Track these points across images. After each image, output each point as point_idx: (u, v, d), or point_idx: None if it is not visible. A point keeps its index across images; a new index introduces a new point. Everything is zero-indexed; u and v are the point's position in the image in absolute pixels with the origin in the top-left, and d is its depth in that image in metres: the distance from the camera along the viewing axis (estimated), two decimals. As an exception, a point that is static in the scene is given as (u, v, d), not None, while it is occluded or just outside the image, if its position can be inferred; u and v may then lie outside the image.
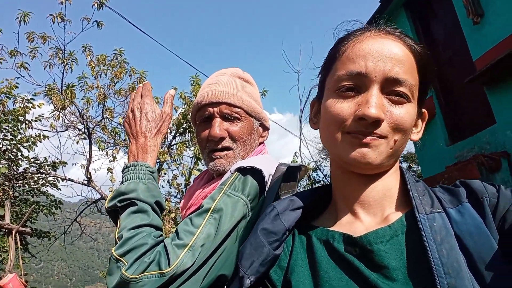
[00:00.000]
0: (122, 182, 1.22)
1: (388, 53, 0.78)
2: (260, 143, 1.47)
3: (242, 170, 1.22)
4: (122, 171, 1.25)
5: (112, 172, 8.95)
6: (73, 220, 10.11)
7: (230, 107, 1.36)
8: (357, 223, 0.81)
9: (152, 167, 1.26)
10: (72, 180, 9.16)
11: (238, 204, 1.15)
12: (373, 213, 0.81)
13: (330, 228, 0.83)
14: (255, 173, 1.21)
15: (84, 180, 9.02)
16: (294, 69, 10.86)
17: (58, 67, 8.57)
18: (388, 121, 0.76)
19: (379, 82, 0.77)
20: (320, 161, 8.68)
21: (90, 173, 8.91)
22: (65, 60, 8.41)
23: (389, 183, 0.83)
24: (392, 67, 0.77)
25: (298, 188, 1.27)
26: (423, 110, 0.87)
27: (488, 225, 0.71)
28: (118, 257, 1.04)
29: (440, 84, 6.86)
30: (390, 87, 0.77)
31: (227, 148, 1.36)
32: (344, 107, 0.79)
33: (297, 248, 0.85)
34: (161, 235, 1.13)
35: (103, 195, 9.14)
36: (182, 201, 1.47)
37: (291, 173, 1.24)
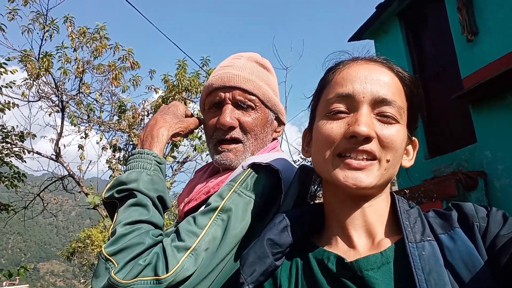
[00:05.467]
0: (124, 171, 1.07)
1: (376, 77, 0.81)
2: (274, 139, 1.32)
3: (256, 167, 1.08)
4: (127, 159, 1.10)
5: (83, 149, 8.62)
6: (36, 194, 9.67)
7: (244, 93, 1.20)
8: (351, 246, 0.82)
9: (160, 157, 1.12)
10: (39, 153, 8.75)
11: (249, 206, 1.01)
12: (365, 236, 0.82)
13: (327, 249, 0.83)
14: (271, 172, 1.07)
15: (52, 154, 8.64)
16: (283, 66, 10.76)
17: (38, 33, 8.12)
18: (379, 139, 0.78)
19: (367, 103, 0.79)
20: (298, 160, 8.62)
21: (59, 148, 8.54)
22: (45, 27, 7.96)
23: (381, 209, 0.84)
24: (379, 89, 0.79)
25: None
26: (414, 138, 0.89)
27: (479, 251, 0.71)
28: (108, 256, 0.89)
29: (424, 97, 6.90)
30: (378, 107, 0.79)
31: (236, 140, 1.20)
32: (334, 128, 0.80)
33: (294, 264, 0.85)
34: (161, 235, 0.98)
35: (70, 172, 8.79)
36: (180, 195, 1.32)
37: (308, 176, 1.10)
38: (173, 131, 1.19)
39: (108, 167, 8.95)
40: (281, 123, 1.34)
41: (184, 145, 9.32)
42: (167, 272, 0.85)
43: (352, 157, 0.78)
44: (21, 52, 8.12)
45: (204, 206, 1.04)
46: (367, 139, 0.77)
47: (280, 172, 1.05)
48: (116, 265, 0.87)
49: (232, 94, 1.20)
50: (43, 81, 8.34)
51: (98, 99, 8.87)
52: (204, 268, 0.91)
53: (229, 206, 0.98)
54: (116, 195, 1.02)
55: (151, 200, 1.02)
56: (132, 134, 8.54)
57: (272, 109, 1.27)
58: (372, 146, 0.77)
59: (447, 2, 6.23)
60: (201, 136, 9.16)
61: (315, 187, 1.03)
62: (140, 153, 1.09)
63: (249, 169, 1.09)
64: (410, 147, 0.89)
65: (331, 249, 0.83)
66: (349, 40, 8.27)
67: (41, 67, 7.87)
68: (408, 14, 7.35)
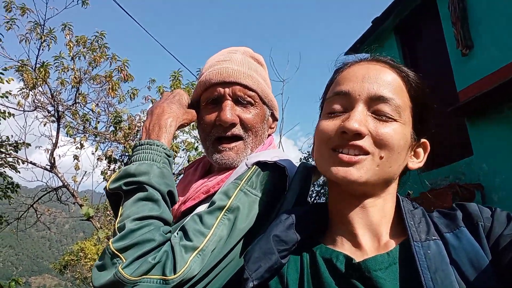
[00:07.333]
0: (131, 162, 1.01)
1: (374, 75, 0.82)
2: (268, 135, 1.30)
3: (261, 165, 1.06)
4: (133, 149, 1.05)
5: (78, 160, 8.55)
6: (29, 205, 9.53)
7: (244, 89, 1.17)
8: (357, 246, 0.82)
9: (169, 149, 1.07)
10: (34, 164, 8.65)
11: (255, 204, 0.99)
12: (370, 236, 0.82)
13: (334, 248, 0.83)
14: (276, 170, 1.05)
15: (47, 165, 8.55)
16: (280, 78, 10.83)
17: (35, 43, 8.11)
18: (372, 136, 0.78)
19: (363, 100, 0.80)
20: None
21: (54, 158, 8.47)
22: (43, 37, 7.96)
23: (385, 209, 0.84)
24: (377, 87, 0.80)
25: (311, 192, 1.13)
26: (423, 140, 0.88)
27: (484, 250, 0.72)
28: (116, 252, 0.85)
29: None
30: (374, 105, 0.80)
31: (237, 137, 1.17)
32: (330, 125, 0.82)
33: (301, 263, 0.83)
34: (170, 232, 0.95)
35: (65, 183, 8.69)
36: None
37: (308, 175, 1.08)
38: (179, 122, 1.15)
39: (103, 178, 8.86)
40: (275, 119, 1.33)
41: (180, 157, 9.26)
42: (174, 273, 0.83)
43: (344, 152, 0.79)
44: (18, 62, 8.11)
45: (209, 204, 1.01)
46: (358, 135, 0.77)
47: (287, 170, 1.04)
48: (124, 261, 0.84)
49: (232, 89, 1.17)
50: (39, 91, 8.30)
51: (94, 110, 8.83)
52: (209, 268, 0.89)
53: (236, 205, 0.96)
54: (124, 188, 0.97)
55: (161, 195, 0.98)
56: (127, 145, 8.48)
57: (268, 105, 1.26)
58: (364, 142, 0.78)
59: (442, 17, 6.31)
60: (197, 146, 9.11)
61: (321, 186, 1.02)
62: (149, 144, 1.04)
63: (255, 166, 1.06)
64: (420, 150, 0.88)
65: (337, 248, 0.82)
66: (346, 54, 8.36)
67: (38, 77, 7.85)
68: (404, 29, 7.44)
